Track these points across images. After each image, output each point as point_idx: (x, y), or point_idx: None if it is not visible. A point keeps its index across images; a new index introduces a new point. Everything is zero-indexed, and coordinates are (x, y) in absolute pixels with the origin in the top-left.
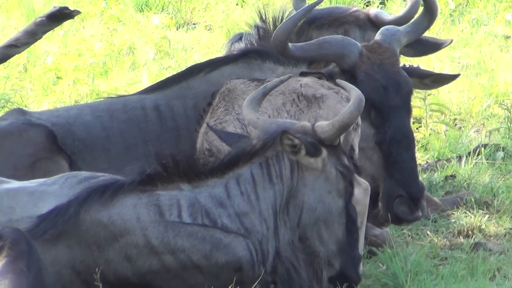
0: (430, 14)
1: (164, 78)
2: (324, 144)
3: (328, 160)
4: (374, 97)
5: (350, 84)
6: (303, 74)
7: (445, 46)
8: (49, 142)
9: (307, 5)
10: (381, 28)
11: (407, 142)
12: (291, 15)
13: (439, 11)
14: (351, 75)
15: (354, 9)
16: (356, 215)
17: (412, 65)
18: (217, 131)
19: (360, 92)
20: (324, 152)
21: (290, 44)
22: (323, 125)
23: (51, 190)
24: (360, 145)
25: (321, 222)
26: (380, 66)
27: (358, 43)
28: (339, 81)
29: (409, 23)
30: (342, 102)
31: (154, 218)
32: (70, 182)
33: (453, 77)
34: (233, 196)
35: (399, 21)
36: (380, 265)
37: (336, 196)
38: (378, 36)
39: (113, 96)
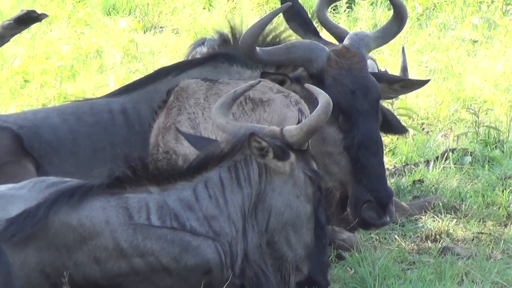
0: (399, 19)
1: (131, 81)
2: (292, 148)
3: (297, 165)
4: (342, 101)
5: (318, 89)
6: (264, 75)
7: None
8: (15, 145)
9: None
10: (350, 33)
11: (375, 147)
12: (259, 19)
13: (408, 16)
14: (319, 80)
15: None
16: (325, 220)
17: (381, 70)
18: (186, 135)
19: (328, 96)
20: (293, 156)
21: (257, 48)
22: (291, 129)
23: (20, 194)
24: (328, 149)
25: (289, 226)
26: (348, 70)
27: (326, 47)
28: (307, 85)
29: (379, 28)
30: (289, 106)
31: (123, 220)
32: (38, 187)
33: (422, 83)
34: (202, 199)
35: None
36: (348, 269)
37: (304, 201)
38: (346, 41)
39: (80, 99)
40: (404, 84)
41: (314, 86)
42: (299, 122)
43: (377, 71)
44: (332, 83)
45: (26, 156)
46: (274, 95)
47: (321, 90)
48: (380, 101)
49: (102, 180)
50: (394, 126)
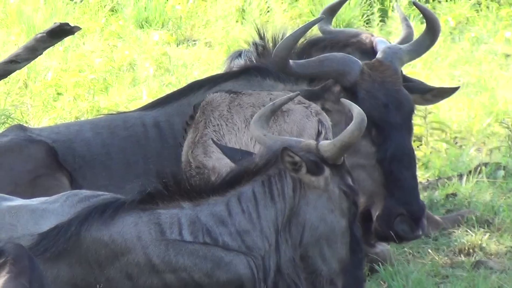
0: (432, 33)
1: (164, 94)
2: (327, 163)
3: (331, 179)
4: (375, 114)
5: (353, 104)
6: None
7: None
8: (50, 158)
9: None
10: (383, 46)
11: (408, 160)
12: (292, 32)
13: (441, 29)
14: (352, 93)
15: (361, 34)
16: (360, 234)
17: (413, 80)
18: (222, 147)
19: (362, 112)
20: (327, 171)
21: (290, 61)
22: (325, 144)
23: (52, 208)
24: (361, 162)
25: (323, 240)
26: (381, 84)
27: (359, 61)
28: (343, 100)
29: (411, 42)
30: (309, 117)
31: (155, 236)
32: (71, 201)
33: (453, 90)
34: (234, 214)
35: None
36: (381, 282)
37: (339, 216)
38: (379, 54)
39: (113, 112)
40: (436, 92)
41: (349, 101)
42: (319, 133)
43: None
44: (365, 96)
45: (60, 170)
46: (294, 106)
47: (356, 106)
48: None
49: (134, 196)
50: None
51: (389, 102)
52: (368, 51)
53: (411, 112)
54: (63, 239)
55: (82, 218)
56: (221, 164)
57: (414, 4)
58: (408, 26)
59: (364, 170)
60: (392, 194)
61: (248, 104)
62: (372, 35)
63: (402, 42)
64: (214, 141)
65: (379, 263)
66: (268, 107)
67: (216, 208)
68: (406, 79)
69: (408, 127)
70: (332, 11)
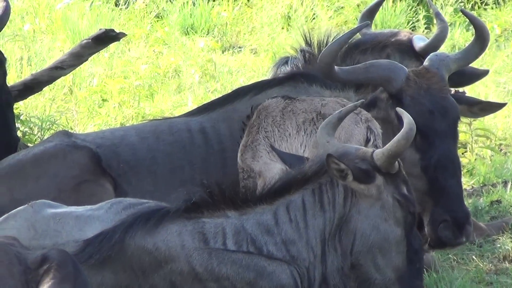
0: (481, 41)
1: (209, 100)
2: (380, 171)
3: (385, 188)
4: (419, 121)
5: (405, 113)
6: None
7: (482, 78)
8: (94, 164)
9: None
10: (431, 54)
11: (452, 168)
12: (337, 38)
13: (490, 38)
14: (397, 100)
15: (399, 33)
16: (420, 245)
17: (460, 92)
18: (280, 153)
19: (412, 121)
20: (379, 180)
21: (336, 67)
22: (377, 153)
23: (97, 215)
24: (406, 170)
25: (376, 249)
26: (427, 90)
27: (405, 67)
28: (398, 109)
29: (460, 50)
30: (358, 123)
31: (199, 245)
32: (115, 208)
33: (500, 105)
34: (281, 223)
35: (426, 49)
36: None
37: (393, 225)
38: (426, 62)
39: (159, 118)
40: (483, 106)
41: (403, 110)
42: (367, 140)
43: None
44: (410, 103)
45: (104, 175)
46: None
47: (408, 115)
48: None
49: (179, 204)
50: (467, 75)
51: (434, 109)
52: (407, 49)
53: (456, 119)
54: (108, 246)
55: (127, 225)
56: (267, 169)
57: (462, 12)
58: (442, 21)
59: (409, 178)
60: (437, 201)
61: (301, 110)
62: (411, 33)
63: (437, 36)
64: (273, 147)
65: (424, 269)
66: (335, 114)
67: (263, 217)
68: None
69: (453, 134)
70: (370, 13)
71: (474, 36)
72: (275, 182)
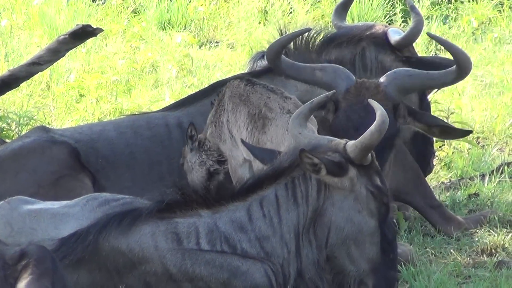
0: (460, 69)
1: (187, 95)
2: (353, 163)
3: (358, 180)
4: (346, 136)
5: (378, 105)
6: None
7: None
8: (72, 159)
9: (346, 24)
10: (395, 69)
11: None
12: (293, 31)
13: (471, 67)
14: (335, 108)
15: (374, 27)
16: (393, 235)
17: (427, 100)
18: (250, 147)
19: (385, 114)
20: (352, 172)
21: (284, 58)
22: (350, 145)
23: (72, 212)
24: None
25: (351, 241)
26: (363, 107)
27: (353, 78)
28: (370, 100)
29: (438, 71)
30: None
31: (172, 246)
32: (91, 205)
33: (464, 133)
34: (255, 219)
35: (401, 42)
36: (404, 283)
37: (367, 216)
38: (383, 77)
39: (136, 113)
40: (444, 129)
41: (376, 102)
42: None
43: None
44: (341, 115)
45: (83, 170)
46: (280, 115)
47: (381, 107)
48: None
49: (152, 205)
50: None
51: (360, 127)
52: (382, 42)
53: (388, 140)
54: (82, 246)
55: (100, 226)
56: (232, 156)
57: (430, 36)
58: (417, 14)
59: None
60: None
61: (250, 102)
62: (386, 26)
63: (412, 30)
64: (243, 141)
65: (402, 263)
66: (306, 105)
67: (236, 214)
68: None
69: (381, 156)
70: (345, 6)
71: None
72: (247, 179)
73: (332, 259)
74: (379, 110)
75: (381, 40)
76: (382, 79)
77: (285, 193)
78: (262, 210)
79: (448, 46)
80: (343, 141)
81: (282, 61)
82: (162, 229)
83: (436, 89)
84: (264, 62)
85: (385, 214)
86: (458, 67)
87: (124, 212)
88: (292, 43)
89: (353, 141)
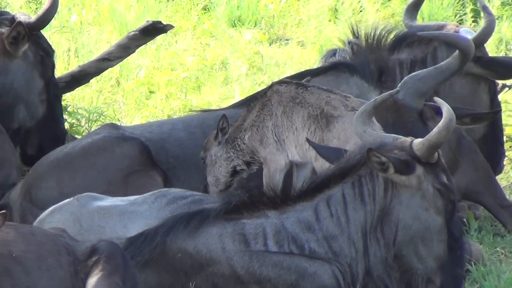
0: (462, 56)
1: (255, 92)
2: (420, 161)
3: (425, 178)
4: None
5: (445, 103)
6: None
7: None
8: (143, 156)
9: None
10: (404, 79)
11: None
12: (372, 100)
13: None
14: None
15: (446, 26)
16: (460, 233)
17: (507, 85)
18: (317, 147)
19: (452, 111)
20: (419, 170)
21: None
22: (417, 143)
23: (141, 210)
24: None
25: (418, 239)
26: (392, 125)
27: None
28: (436, 98)
29: (443, 62)
30: (343, 107)
31: (239, 247)
32: (159, 203)
33: (492, 115)
34: (322, 218)
35: (473, 42)
36: (474, 283)
37: (434, 214)
38: (399, 87)
39: (206, 110)
40: (473, 117)
41: (441, 100)
42: None
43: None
44: None
45: (154, 167)
46: (346, 112)
47: (447, 105)
48: None
49: (219, 206)
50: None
51: None
52: None
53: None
54: (149, 248)
55: (168, 228)
56: (273, 160)
57: (423, 35)
58: (489, 14)
59: None
60: None
61: (308, 103)
62: (457, 26)
63: (484, 29)
64: (308, 141)
65: (472, 263)
66: (370, 103)
67: (304, 214)
68: None
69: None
70: (415, 6)
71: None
72: (315, 178)
73: (400, 257)
74: (445, 107)
75: None
76: (398, 95)
77: (352, 192)
78: (329, 210)
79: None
80: (408, 139)
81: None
82: (229, 230)
83: (507, 89)
84: (336, 60)
85: (451, 212)
86: (460, 50)
87: (191, 214)
88: (364, 41)
89: (420, 139)
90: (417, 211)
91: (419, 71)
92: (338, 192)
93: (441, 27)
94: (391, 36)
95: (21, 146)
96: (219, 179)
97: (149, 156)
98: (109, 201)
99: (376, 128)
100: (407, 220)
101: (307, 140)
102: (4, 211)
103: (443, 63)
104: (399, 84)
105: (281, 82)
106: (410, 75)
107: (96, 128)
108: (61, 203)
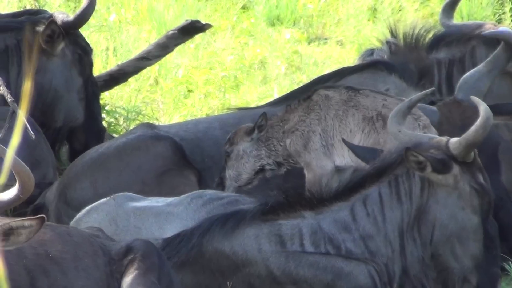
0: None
1: (292, 90)
2: (456, 160)
3: (461, 177)
4: None
5: (481, 102)
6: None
7: None
8: (178, 156)
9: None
10: (461, 80)
11: (500, 202)
12: (407, 100)
13: None
14: None
15: (484, 26)
16: (496, 231)
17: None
18: (353, 147)
19: (489, 110)
20: (456, 169)
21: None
22: (453, 142)
23: (177, 211)
24: None
25: (454, 238)
26: (461, 128)
27: (435, 110)
28: (473, 98)
29: (489, 58)
30: (415, 130)
31: (275, 248)
32: (195, 204)
33: None
34: (359, 218)
35: None
36: None
37: (470, 213)
38: (457, 90)
39: (242, 108)
40: None
41: (478, 99)
42: None
43: None
44: None
45: (188, 167)
46: None
47: (484, 103)
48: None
49: (256, 207)
50: None
51: None
52: (493, 42)
53: (495, 149)
54: (185, 249)
55: (204, 229)
56: (319, 165)
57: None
58: None
59: None
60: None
61: (363, 106)
62: (495, 25)
63: None
64: (343, 140)
65: (510, 262)
66: (405, 103)
67: (340, 214)
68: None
69: (495, 165)
70: (452, 5)
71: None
72: (350, 179)
73: (436, 256)
74: (482, 106)
75: (492, 40)
76: (459, 97)
77: (388, 191)
78: (365, 209)
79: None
80: (444, 138)
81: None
82: (265, 231)
83: None
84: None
85: (487, 211)
86: (505, 43)
87: (228, 215)
88: (402, 41)
89: (456, 138)
90: (454, 210)
91: (472, 71)
92: (374, 192)
93: (480, 26)
94: (430, 35)
95: (69, 143)
96: (241, 175)
97: (183, 156)
98: (145, 201)
99: (424, 127)
100: (444, 220)
101: (342, 139)
102: (42, 215)
103: (490, 58)
104: (458, 86)
105: (327, 87)
106: (465, 76)
107: (133, 127)
108: (97, 202)
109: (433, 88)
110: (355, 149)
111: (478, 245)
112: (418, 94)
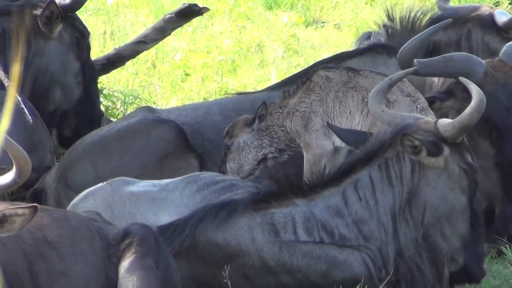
0: None
1: (291, 75)
2: (446, 142)
3: (451, 158)
4: (496, 118)
5: (473, 85)
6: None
7: None
8: (179, 139)
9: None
10: (507, 45)
11: None
12: (419, 35)
13: None
14: (467, 96)
15: (480, 8)
16: (481, 209)
17: None
18: (337, 130)
19: (482, 93)
20: (446, 150)
21: (415, 61)
22: (445, 124)
23: (171, 198)
24: (480, 163)
25: (444, 219)
26: (504, 86)
27: (483, 61)
28: (461, 78)
29: None
30: (413, 112)
31: (269, 238)
32: (190, 189)
33: None
34: (351, 203)
35: (510, 23)
36: (509, 265)
37: (459, 193)
38: (502, 54)
39: (241, 92)
40: None
41: (469, 81)
42: None
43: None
44: (488, 99)
45: (189, 151)
46: (402, 97)
47: (476, 87)
48: None
49: (248, 197)
50: None
51: (511, 106)
52: (489, 24)
53: None
54: (178, 240)
55: (197, 220)
56: (319, 145)
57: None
58: None
59: (482, 171)
60: (511, 198)
61: (362, 87)
62: (491, 8)
63: None
64: (328, 124)
65: (507, 245)
66: (385, 81)
67: (332, 199)
68: None
69: None
70: None
71: None
72: (340, 165)
73: (427, 237)
74: (475, 89)
75: (488, 22)
76: (503, 56)
77: (379, 175)
78: (357, 194)
79: None
80: (430, 119)
81: (415, 64)
82: (258, 221)
83: None
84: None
85: (474, 190)
86: None
87: (220, 205)
88: (399, 24)
89: (448, 121)
90: (444, 192)
91: None
92: (365, 176)
93: (476, 8)
94: (426, 18)
95: (57, 128)
96: (243, 166)
97: (185, 139)
98: (141, 186)
99: (423, 110)
100: (434, 201)
101: (327, 123)
102: (35, 204)
103: None
104: (501, 51)
105: (327, 68)
106: (509, 43)
107: (132, 111)
108: (94, 187)
109: (415, 67)
110: (340, 133)
111: (466, 224)
112: (400, 72)
